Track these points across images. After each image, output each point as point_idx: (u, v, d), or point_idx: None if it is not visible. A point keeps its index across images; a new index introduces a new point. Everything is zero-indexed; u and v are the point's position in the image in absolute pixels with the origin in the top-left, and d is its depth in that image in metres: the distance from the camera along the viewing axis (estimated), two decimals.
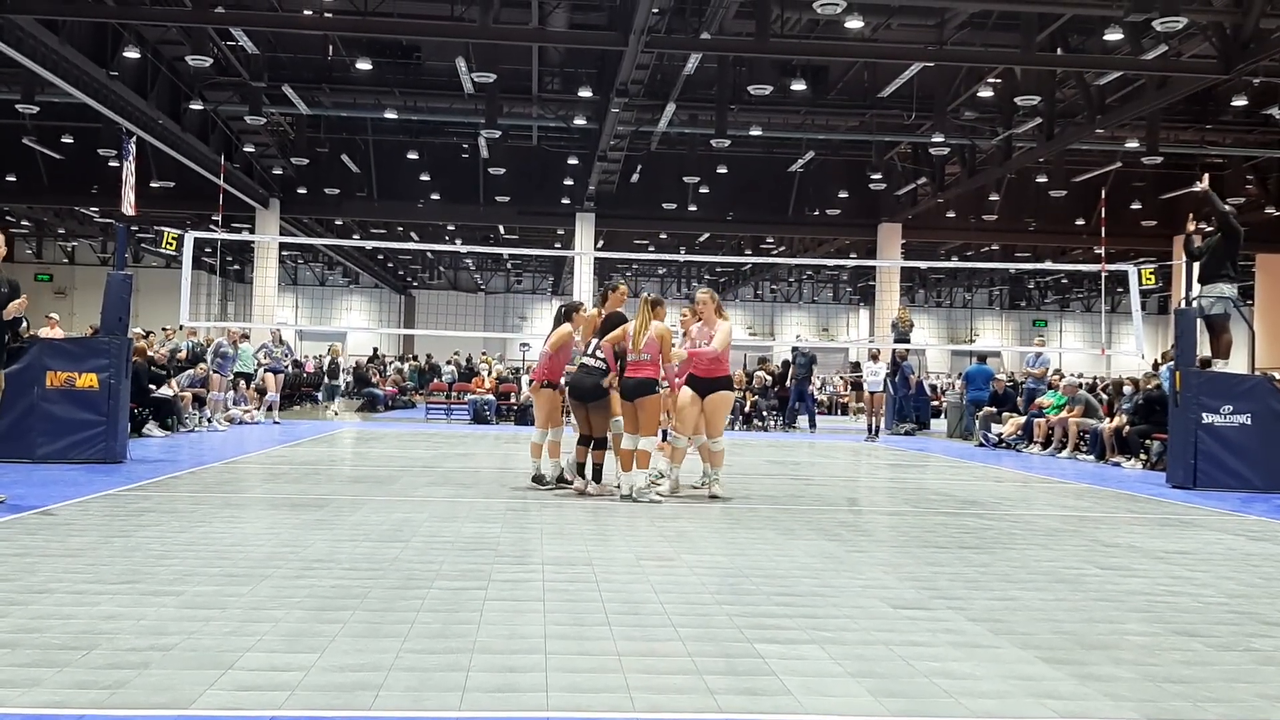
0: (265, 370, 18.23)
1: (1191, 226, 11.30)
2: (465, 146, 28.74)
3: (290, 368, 20.61)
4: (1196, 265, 11.12)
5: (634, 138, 25.29)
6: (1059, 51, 19.16)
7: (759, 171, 29.52)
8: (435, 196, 29.74)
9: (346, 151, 28.18)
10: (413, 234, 37.86)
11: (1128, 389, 14.30)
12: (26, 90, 20.35)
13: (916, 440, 18.59)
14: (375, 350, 36.61)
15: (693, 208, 29.86)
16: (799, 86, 21.12)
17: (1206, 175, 12.06)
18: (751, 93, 20.78)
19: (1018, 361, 23.15)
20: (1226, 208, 11.04)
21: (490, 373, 22.84)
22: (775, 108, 23.40)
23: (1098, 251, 25.20)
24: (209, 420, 15.60)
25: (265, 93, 22.05)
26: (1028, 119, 22.15)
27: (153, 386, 13.68)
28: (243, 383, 18.10)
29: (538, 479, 8.89)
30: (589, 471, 8.50)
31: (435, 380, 27.97)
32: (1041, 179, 27.77)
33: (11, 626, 3.82)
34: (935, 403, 25.81)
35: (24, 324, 10.07)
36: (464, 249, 39.86)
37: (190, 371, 15.74)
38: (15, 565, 4.91)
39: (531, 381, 9.55)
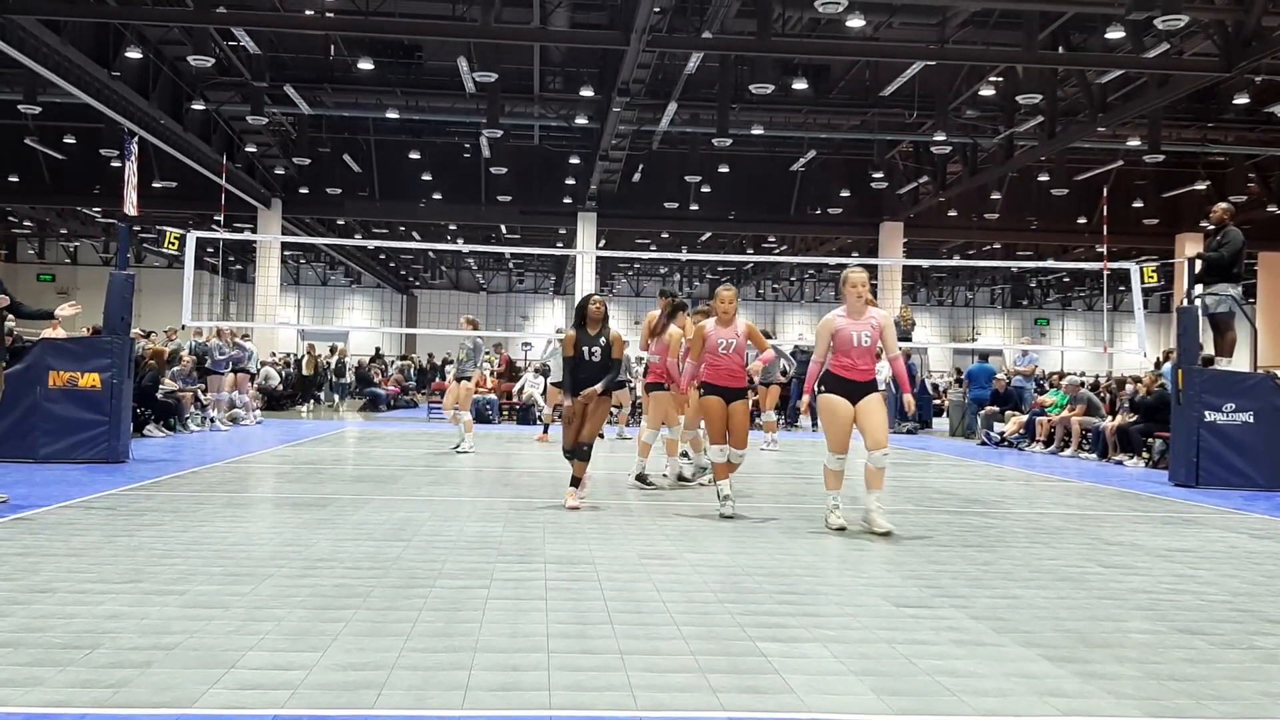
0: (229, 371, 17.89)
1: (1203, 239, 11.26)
2: (467, 146, 28.73)
3: (254, 368, 20.02)
4: (1199, 264, 11.12)
5: (635, 137, 25.28)
6: (1060, 50, 19.14)
7: (761, 170, 29.49)
8: (437, 196, 29.74)
9: (348, 151, 28.18)
10: (415, 233, 37.84)
11: (1130, 387, 14.30)
12: (29, 90, 20.36)
13: (918, 439, 18.58)
14: (377, 350, 36.62)
15: (694, 207, 29.83)
16: (800, 85, 21.09)
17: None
18: (753, 92, 20.76)
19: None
20: (1223, 252, 10.94)
21: (493, 372, 22.82)
22: (777, 107, 23.38)
23: (1100, 250, 25.22)
24: (210, 420, 15.61)
25: (267, 92, 22.04)
26: (1029, 117, 22.13)
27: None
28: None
29: (641, 478, 9.09)
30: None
31: (437, 380, 27.96)
32: (1043, 177, 27.73)
33: (14, 626, 3.83)
34: (937, 401, 25.79)
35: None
36: (466, 248, 39.89)
37: (177, 368, 15.68)
38: (18, 565, 4.91)
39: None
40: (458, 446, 12.58)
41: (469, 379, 12.96)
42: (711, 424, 7.50)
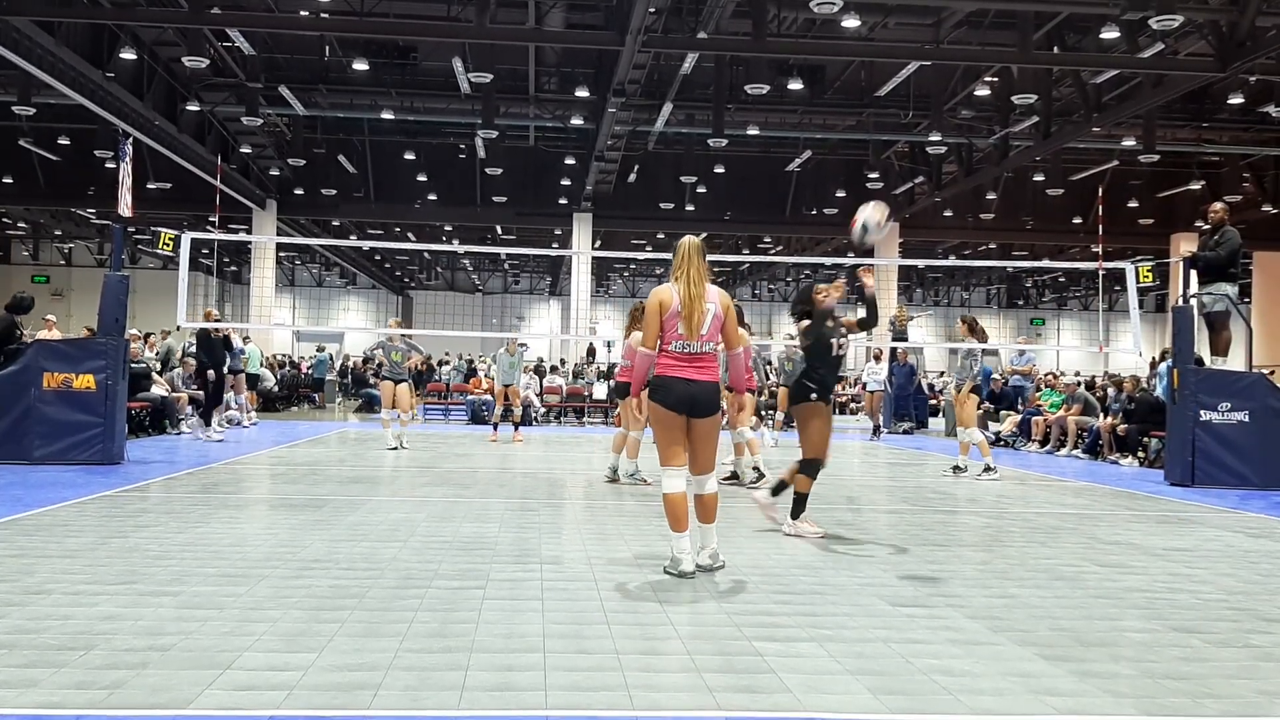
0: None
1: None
2: (462, 147, 28.70)
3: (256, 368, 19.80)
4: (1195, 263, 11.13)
5: (631, 137, 25.26)
6: (1055, 50, 19.15)
7: (756, 171, 29.51)
8: (432, 197, 29.71)
9: (343, 152, 28.15)
10: (410, 234, 37.80)
11: (1124, 387, 14.34)
12: (23, 92, 20.30)
13: (915, 439, 18.59)
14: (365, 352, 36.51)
15: (690, 207, 29.84)
16: (796, 86, 21.10)
17: None
18: (748, 92, 20.74)
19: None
20: (1220, 252, 11.00)
21: (489, 373, 22.79)
22: (772, 107, 23.39)
23: (1095, 250, 25.23)
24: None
25: (262, 93, 22.01)
26: (1025, 118, 22.15)
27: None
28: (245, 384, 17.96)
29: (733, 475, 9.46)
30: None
31: (433, 381, 27.90)
32: (1039, 177, 27.77)
33: (9, 627, 3.82)
34: (932, 401, 25.79)
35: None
36: (461, 249, 39.84)
37: (176, 370, 15.61)
38: (13, 566, 4.90)
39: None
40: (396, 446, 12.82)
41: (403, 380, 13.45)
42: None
